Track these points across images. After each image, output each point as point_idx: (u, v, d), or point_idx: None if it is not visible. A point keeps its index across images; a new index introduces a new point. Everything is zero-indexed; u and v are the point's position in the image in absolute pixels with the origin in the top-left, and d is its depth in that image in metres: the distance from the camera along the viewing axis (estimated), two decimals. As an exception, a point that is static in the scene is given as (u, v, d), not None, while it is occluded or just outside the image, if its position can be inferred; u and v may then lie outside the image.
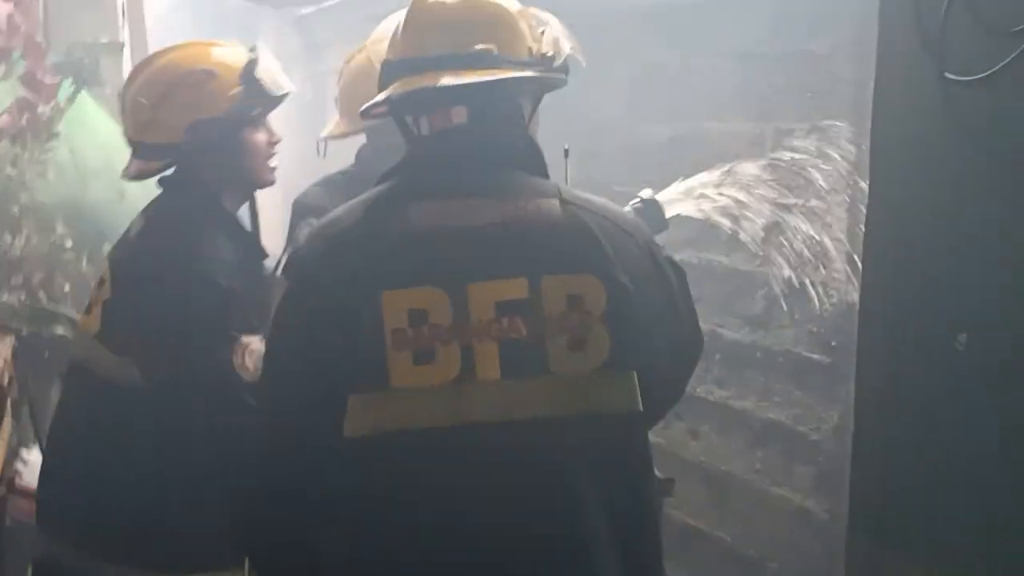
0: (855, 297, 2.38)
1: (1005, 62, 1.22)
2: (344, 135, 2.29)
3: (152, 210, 1.86)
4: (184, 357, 1.65)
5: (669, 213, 1.96)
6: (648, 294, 1.31)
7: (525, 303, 1.22)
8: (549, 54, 1.38)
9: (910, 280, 1.43)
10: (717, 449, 2.90)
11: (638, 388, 1.25)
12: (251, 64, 1.81)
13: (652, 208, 1.93)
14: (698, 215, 1.99)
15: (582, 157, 2.87)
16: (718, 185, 2.00)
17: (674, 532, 2.88)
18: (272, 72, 1.83)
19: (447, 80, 1.28)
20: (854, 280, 2.38)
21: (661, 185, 2.06)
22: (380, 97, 1.35)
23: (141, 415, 1.66)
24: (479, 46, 1.31)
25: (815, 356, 2.56)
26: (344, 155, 2.39)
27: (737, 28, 2.67)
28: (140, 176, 1.87)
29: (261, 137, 1.86)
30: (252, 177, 1.88)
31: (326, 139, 2.32)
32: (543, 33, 1.41)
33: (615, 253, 1.28)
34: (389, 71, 1.37)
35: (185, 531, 1.64)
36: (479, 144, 1.35)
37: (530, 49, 1.37)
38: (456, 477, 1.21)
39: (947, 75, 1.30)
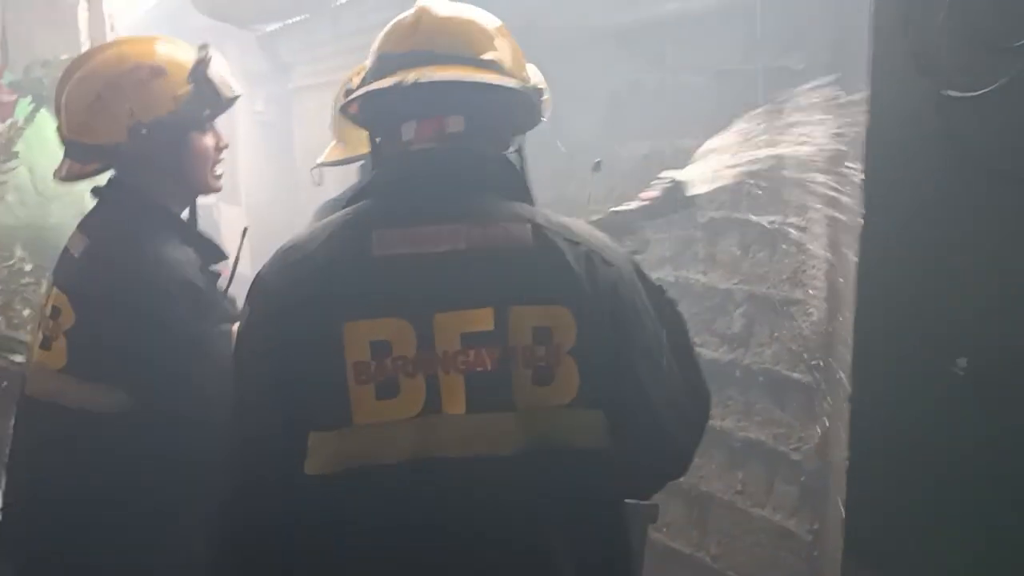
0: (836, 316, 2.37)
1: (1007, 78, 1.20)
2: (342, 161, 2.22)
3: (95, 226, 1.72)
4: (177, 366, 1.56)
5: (694, 191, 1.90)
6: (628, 329, 1.23)
7: (491, 334, 1.16)
8: (540, 86, 1.35)
9: (907, 302, 1.40)
10: (698, 469, 2.87)
11: (603, 424, 1.19)
12: (202, 63, 1.70)
13: (675, 186, 1.89)
14: (722, 181, 1.94)
15: (558, 177, 2.86)
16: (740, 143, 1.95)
17: (655, 554, 2.84)
18: (223, 72, 1.73)
19: (459, 75, 1.22)
20: (835, 299, 2.37)
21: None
22: (389, 83, 1.24)
23: (112, 440, 1.57)
24: (490, 54, 1.27)
25: (795, 375, 2.54)
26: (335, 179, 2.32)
27: (713, 46, 2.67)
28: (72, 177, 1.73)
29: (208, 141, 1.74)
30: (197, 185, 1.76)
31: (320, 166, 2.25)
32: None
33: (591, 284, 1.21)
34: (388, 62, 1.27)
35: (154, 562, 1.57)
36: (451, 165, 1.28)
37: (522, 77, 1.33)
38: (419, 513, 1.16)
39: (946, 92, 1.27)
